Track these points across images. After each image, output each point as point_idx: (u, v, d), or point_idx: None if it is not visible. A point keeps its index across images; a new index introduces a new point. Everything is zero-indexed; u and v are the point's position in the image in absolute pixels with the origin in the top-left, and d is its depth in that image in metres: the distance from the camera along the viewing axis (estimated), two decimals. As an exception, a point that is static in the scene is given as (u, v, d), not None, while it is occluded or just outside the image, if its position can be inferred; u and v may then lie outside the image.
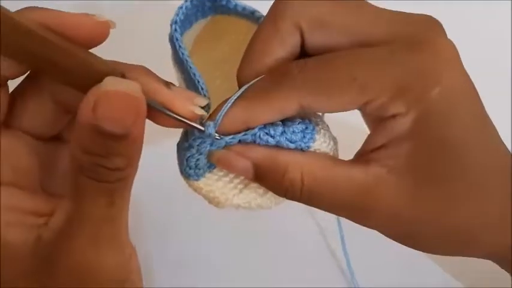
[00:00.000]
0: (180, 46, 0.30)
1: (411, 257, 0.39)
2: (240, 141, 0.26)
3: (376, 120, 0.26)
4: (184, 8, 0.31)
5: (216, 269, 0.44)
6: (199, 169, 0.27)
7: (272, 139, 0.26)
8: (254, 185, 0.28)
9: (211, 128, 0.25)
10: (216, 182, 0.28)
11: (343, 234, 0.41)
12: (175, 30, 0.30)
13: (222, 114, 0.25)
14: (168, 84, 0.26)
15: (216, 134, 0.26)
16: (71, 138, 0.23)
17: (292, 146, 0.26)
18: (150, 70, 0.26)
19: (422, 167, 0.25)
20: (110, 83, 0.22)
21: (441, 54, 0.24)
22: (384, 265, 0.43)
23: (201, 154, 0.27)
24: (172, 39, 0.31)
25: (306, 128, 0.26)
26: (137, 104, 0.22)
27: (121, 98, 0.22)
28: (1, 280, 0.24)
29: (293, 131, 0.26)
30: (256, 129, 0.26)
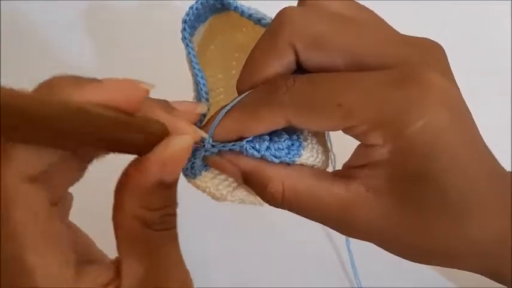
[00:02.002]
0: (187, 45, 0.31)
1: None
2: (230, 149, 0.28)
3: None
4: (194, 8, 0.32)
5: (218, 268, 0.44)
6: (195, 169, 0.29)
7: (257, 153, 0.27)
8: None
9: (208, 145, 0.28)
10: (211, 180, 0.30)
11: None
12: (185, 29, 0.31)
13: (214, 126, 0.28)
14: (169, 107, 0.27)
15: (210, 144, 0.28)
16: (125, 201, 0.24)
17: (276, 160, 0.27)
18: (152, 100, 0.26)
19: (399, 190, 0.26)
20: (175, 143, 0.24)
21: (429, 89, 0.24)
22: (383, 265, 0.43)
23: (196, 159, 0.29)
24: (182, 39, 0.31)
25: (292, 144, 0.28)
26: (187, 154, 0.25)
27: (182, 153, 0.24)
28: None
29: (278, 148, 0.27)
30: (243, 142, 0.27)
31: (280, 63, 0.27)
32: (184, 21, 0.31)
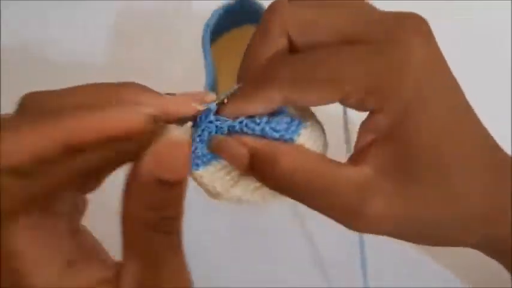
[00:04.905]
0: (206, 35, 0.31)
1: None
2: (228, 130, 0.28)
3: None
4: (218, 13, 0.33)
5: (216, 268, 0.44)
6: (199, 159, 0.29)
7: (257, 126, 0.27)
8: (245, 181, 0.29)
9: (213, 106, 0.27)
10: (211, 175, 0.29)
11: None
12: (206, 31, 0.32)
13: (218, 100, 0.28)
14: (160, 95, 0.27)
15: (212, 117, 0.28)
16: (125, 200, 0.24)
17: (276, 135, 0.27)
18: (144, 86, 0.27)
19: (402, 165, 0.26)
20: (168, 137, 0.23)
21: (413, 54, 0.26)
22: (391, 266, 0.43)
23: (200, 142, 0.28)
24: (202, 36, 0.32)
25: (292, 121, 0.28)
26: (186, 147, 0.23)
27: (176, 147, 0.23)
28: None
29: (278, 122, 0.27)
30: (242, 118, 0.28)
31: (275, 48, 0.28)
32: (207, 25, 0.32)
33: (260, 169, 0.27)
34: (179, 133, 0.23)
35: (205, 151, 0.29)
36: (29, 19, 0.55)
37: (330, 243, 0.46)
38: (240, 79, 0.29)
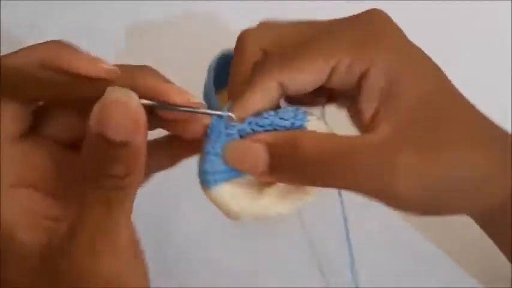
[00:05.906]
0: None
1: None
2: (240, 135, 0.28)
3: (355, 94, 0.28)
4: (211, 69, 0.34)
5: (210, 267, 0.44)
6: (211, 174, 0.27)
7: (267, 120, 0.27)
8: (270, 191, 0.28)
9: (227, 109, 0.27)
10: (229, 192, 0.28)
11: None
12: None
13: (228, 107, 0.28)
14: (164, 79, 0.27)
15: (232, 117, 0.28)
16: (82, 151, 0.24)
17: (287, 123, 0.28)
18: (156, 70, 0.27)
19: (414, 117, 0.27)
20: (110, 93, 0.23)
21: (390, 24, 0.29)
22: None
23: (215, 156, 0.27)
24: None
25: (297, 110, 0.28)
26: (137, 114, 0.23)
27: (120, 108, 0.23)
28: (7, 279, 0.25)
29: (285, 112, 0.28)
30: (250, 119, 0.28)
31: (254, 60, 0.29)
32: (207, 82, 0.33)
33: (282, 161, 0.27)
34: (119, 93, 0.23)
35: (222, 166, 0.27)
36: (29, 19, 0.55)
37: (322, 238, 0.46)
38: (230, 95, 0.29)
